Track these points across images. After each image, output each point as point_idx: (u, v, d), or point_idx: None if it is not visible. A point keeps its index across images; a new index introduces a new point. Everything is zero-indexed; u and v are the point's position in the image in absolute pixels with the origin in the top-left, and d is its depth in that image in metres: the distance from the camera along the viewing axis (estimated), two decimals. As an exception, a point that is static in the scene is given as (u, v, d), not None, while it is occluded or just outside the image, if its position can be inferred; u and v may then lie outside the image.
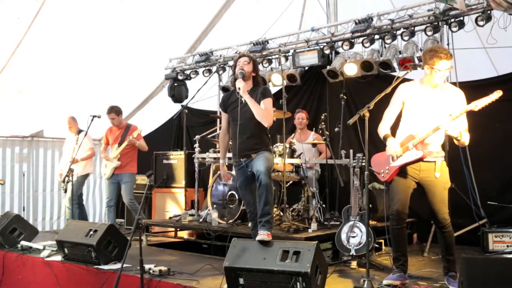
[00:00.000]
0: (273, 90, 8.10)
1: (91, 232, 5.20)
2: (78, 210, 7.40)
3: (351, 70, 6.80)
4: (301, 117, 7.10)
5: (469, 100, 3.97)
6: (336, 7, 7.81)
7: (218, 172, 6.66)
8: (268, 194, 4.47)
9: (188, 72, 8.54)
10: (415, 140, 4.05)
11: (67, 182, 6.72)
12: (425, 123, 4.05)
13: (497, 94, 3.80)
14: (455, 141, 4.06)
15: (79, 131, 7.50)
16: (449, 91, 4.10)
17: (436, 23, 5.99)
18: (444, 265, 4.20)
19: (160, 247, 6.63)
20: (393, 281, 4.07)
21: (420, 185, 4.15)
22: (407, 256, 4.24)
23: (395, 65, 6.43)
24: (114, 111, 7.02)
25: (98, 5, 7.08)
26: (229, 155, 6.62)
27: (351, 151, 6.44)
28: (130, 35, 7.59)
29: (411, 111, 4.18)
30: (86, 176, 7.71)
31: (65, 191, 7.01)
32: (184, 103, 8.39)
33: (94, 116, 6.60)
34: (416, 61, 6.08)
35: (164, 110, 9.43)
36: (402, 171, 4.13)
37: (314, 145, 6.76)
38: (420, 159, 4.04)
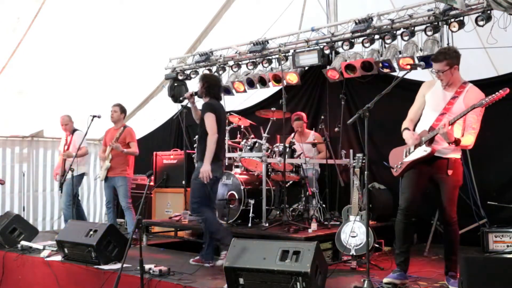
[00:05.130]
0: (273, 90, 8.13)
1: (91, 232, 5.20)
2: (76, 210, 7.39)
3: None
4: (299, 125, 7.10)
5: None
6: (336, 7, 7.80)
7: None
8: (206, 226, 5.14)
9: (188, 72, 8.54)
10: (426, 137, 4.07)
11: (63, 182, 6.72)
12: (437, 120, 4.06)
13: (502, 92, 3.76)
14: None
15: (74, 130, 7.51)
16: (467, 92, 4.08)
17: (436, 23, 5.99)
18: (446, 264, 4.21)
19: (160, 247, 6.64)
20: (393, 279, 4.07)
21: (432, 181, 4.17)
22: (409, 254, 4.24)
23: (395, 65, 6.43)
24: (120, 106, 7.03)
25: (98, 5, 7.07)
26: (228, 154, 6.66)
27: (351, 151, 6.46)
28: (130, 35, 7.58)
29: (427, 107, 4.22)
30: (81, 176, 7.68)
31: (62, 192, 7.01)
32: (184, 103, 8.39)
33: (94, 116, 6.60)
34: (416, 61, 6.08)
35: (164, 110, 9.43)
36: (414, 167, 4.16)
37: (314, 145, 6.76)
38: (429, 155, 4.05)
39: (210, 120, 5.04)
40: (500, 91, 3.77)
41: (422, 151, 4.08)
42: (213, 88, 5.24)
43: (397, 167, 4.28)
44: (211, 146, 4.98)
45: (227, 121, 6.81)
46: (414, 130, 4.27)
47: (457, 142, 3.92)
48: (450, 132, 3.88)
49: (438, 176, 4.13)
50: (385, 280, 4.10)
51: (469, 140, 4.00)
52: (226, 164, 6.89)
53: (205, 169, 4.98)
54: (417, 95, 4.35)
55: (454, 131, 3.97)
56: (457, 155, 4.15)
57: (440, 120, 4.06)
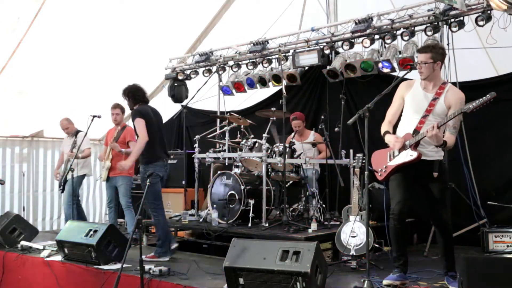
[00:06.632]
0: (273, 90, 8.13)
1: (91, 232, 5.20)
2: (76, 210, 7.38)
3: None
4: (297, 124, 7.07)
5: (469, 100, 3.96)
6: (336, 7, 7.81)
7: (218, 172, 6.67)
8: (160, 227, 5.47)
9: (188, 72, 8.54)
10: (410, 141, 4.05)
11: (65, 182, 6.71)
12: (420, 123, 4.05)
13: (490, 96, 3.69)
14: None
15: (77, 132, 7.47)
16: (447, 93, 4.06)
17: (436, 23, 5.99)
18: (444, 265, 4.21)
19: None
20: (393, 281, 4.07)
21: (419, 184, 4.15)
22: (408, 256, 4.23)
23: (395, 65, 6.43)
24: (120, 107, 6.99)
25: (98, 5, 7.07)
26: (228, 154, 6.66)
27: (351, 151, 6.45)
28: (130, 35, 7.59)
29: (408, 109, 4.19)
30: (82, 177, 7.67)
31: (62, 191, 7.00)
32: (184, 103, 8.40)
33: (94, 116, 6.58)
34: (416, 61, 6.08)
35: (164, 110, 9.40)
36: (400, 170, 4.12)
37: (314, 145, 6.76)
38: (416, 160, 4.02)
39: (138, 126, 5.34)
40: (487, 95, 3.71)
41: (408, 156, 4.04)
42: (137, 95, 5.56)
43: (381, 171, 4.23)
44: (139, 147, 5.32)
45: (225, 121, 6.83)
46: (394, 132, 4.24)
47: (444, 144, 3.91)
48: (439, 135, 3.86)
49: (424, 179, 4.11)
50: (384, 282, 4.09)
51: (451, 140, 4.00)
52: (226, 164, 6.90)
53: (125, 165, 5.47)
54: (394, 96, 4.29)
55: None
56: (441, 156, 4.13)
57: (423, 122, 4.03)
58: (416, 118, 4.09)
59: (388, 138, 4.18)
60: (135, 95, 5.56)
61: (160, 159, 5.45)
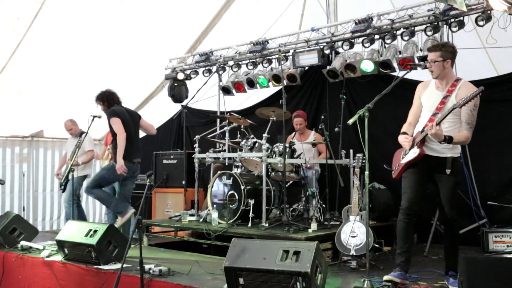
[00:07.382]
0: (273, 90, 8.13)
1: (91, 232, 5.20)
2: (77, 210, 7.38)
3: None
4: (298, 122, 7.07)
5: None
6: (336, 7, 7.81)
7: (218, 172, 6.67)
8: (101, 202, 6.16)
9: (188, 72, 8.54)
10: (417, 139, 4.10)
11: (66, 181, 6.71)
12: (430, 121, 4.07)
13: (478, 90, 3.85)
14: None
15: (81, 133, 7.46)
16: (459, 90, 4.08)
17: (436, 23, 5.99)
18: (446, 263, 4.23)
19: (160, 247, 6.64)
20: (393, 277, 4.06)
21: (431, 180, 4.19)
22: (410, 254, 4.24)
23: (395, 65, 6.43)
24: None
25: (98, 5, 7.07)
26: (228, 154, 6.66)
27: (351, 151, 6.44)
28: (130, 35, 7.58)
29: (424, 109, 4.25)
30: (84, 177, 7.67)
31: (63, 191, 7.00)
32: (184, 103, 8.40)
33: (94, 116, 6.58)
34: (416, 61, 6.09)
35: (164, 110, 9.43)
36: (411, 167, 4.18)
37: (314, 145, 6.75)
38: (419, 157, 4.07)
39: (115, 124, 5.54)
40: (476, 90, 3.85)
41: (412, 154, 4.12)
42: (111, 99, 5.82)
43: (395, 169, 4.33)
44: (121, 144, 5.59)
45: (225, 121, 6.82)
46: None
47: (449, 140, 3.93)
48: (438, 133, 3.89)
49: (437, 175, 4.15)
50: (385, 277, 4.09)
51: (463, 136, 4.03)
52: (226, 164, 6.90)
53: (119, 165, 5.62)
54: (414, 98, 4.36)
55: (452, 128, 4.02)
56: (456, 153, 4.15)
57: (432, 120, 4.06)
58: (428, 116, 4.14)
59: (399, 139, 4.25)
60: (110, 99, 5.77)
61: (131, 160, 5.66)
